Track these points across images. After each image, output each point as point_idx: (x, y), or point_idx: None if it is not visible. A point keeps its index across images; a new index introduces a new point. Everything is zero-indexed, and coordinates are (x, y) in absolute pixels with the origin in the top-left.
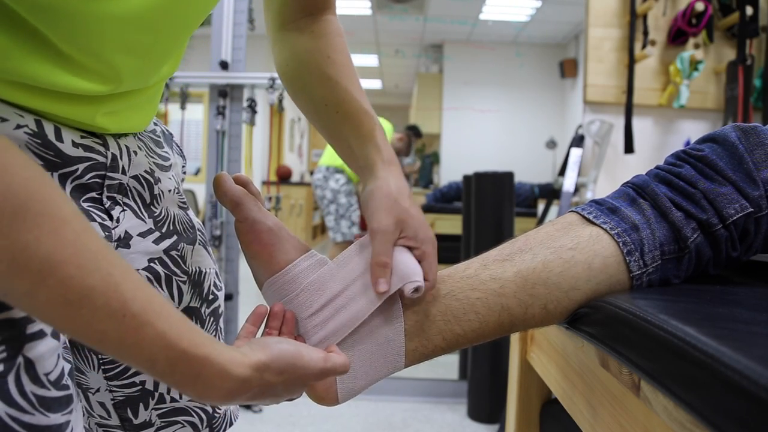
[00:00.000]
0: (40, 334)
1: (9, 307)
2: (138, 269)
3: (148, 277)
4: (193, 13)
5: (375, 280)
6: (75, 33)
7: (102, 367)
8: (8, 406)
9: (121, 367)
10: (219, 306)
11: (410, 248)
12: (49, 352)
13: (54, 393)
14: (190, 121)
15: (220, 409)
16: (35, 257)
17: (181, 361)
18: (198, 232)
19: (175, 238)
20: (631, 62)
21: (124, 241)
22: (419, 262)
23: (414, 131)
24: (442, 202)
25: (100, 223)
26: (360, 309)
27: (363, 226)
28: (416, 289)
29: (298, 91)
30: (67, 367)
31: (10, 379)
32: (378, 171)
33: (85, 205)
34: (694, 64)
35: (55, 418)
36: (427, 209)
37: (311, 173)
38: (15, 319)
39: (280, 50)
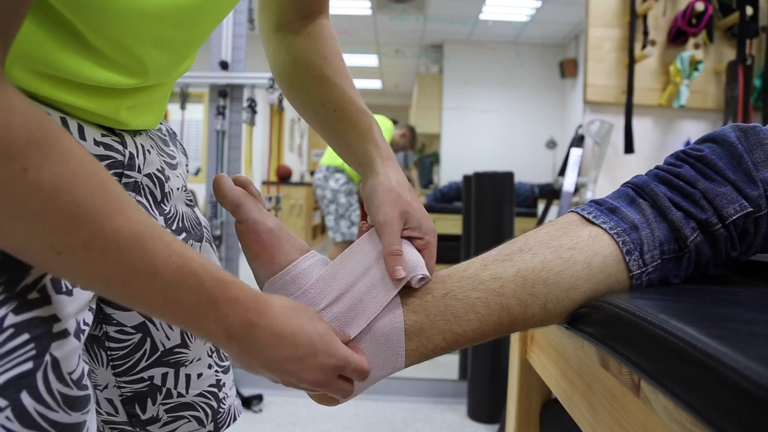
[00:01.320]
0: (64, 334)
1: (37, 306)
2: None
3: None
4: (220, 9)
5: (391, 268)
6: (106, 26)
7: (111, 364)
8: (37, 403)
9: (129, 363)
10: None
11: (413, 238)
12: (72, 352)
13: (76, 392)
14: (190, 121)
15: (224, 405)
16: (91, 210)
17: (221, 286)
18: (204, 229)
19: (184, 235)
20: (631, 62)
21: None
22: (421, 251)
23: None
24: (442, 202)
25: None
26: (376, 299)
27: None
28: (422, 278)
29: (294, 90)
30: (86, 368)
31: (39, 377)
32: (378, 167)
33: None
34: (694, 64)
35: (76, 417)
36: (427, 209)
37: (311, 173)
38: (43, 317)
39: (276, 50)
